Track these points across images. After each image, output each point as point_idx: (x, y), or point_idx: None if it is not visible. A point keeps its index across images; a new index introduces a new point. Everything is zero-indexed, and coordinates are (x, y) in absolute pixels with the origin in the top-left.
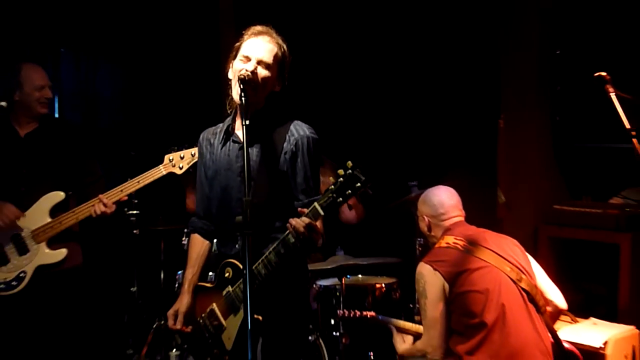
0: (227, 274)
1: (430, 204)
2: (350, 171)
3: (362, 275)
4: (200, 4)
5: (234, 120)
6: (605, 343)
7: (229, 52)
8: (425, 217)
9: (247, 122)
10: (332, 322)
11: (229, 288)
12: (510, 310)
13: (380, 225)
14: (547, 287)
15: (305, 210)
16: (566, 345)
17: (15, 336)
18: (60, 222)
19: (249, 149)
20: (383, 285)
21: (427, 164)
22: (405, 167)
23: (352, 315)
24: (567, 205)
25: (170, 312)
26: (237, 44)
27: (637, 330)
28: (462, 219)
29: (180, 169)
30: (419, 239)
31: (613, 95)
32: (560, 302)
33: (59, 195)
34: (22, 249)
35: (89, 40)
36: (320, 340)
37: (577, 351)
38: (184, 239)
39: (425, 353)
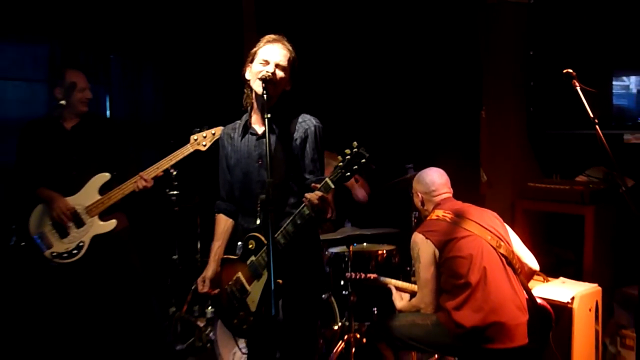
0: (250, 246)
1: (423, 182)
2: (355, 150)
3: (366, 243)
4: (226, 14)
5: (250, 116)
6: (572, 298)
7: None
8: (419, 194)
9: (269, 115)
10: (342, 283)
11: (252, 258)
12: (491, 272)
13: (381, 201)
14: (522, 252)
15: (318, 185)
16: (539, 301)
17: (77, 297)
18: (109, 198)
19: (270, 139)
20: (384, 251)
21: (421, 149)
22: (402, 151)
23: (358, 277)
24: (540, 182)
25: (199, 279)
26: (254, 50)
27: (600, 288)
28: (450, 195)
29: (204, 146)
30: (414, 213)
31: (579, 89)
32: (533, 264)
33: (105, 176)
34: (79, 223)
35: (133, 48)
36: (332, 299)
37: (548, 306)
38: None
39: (419, 308)
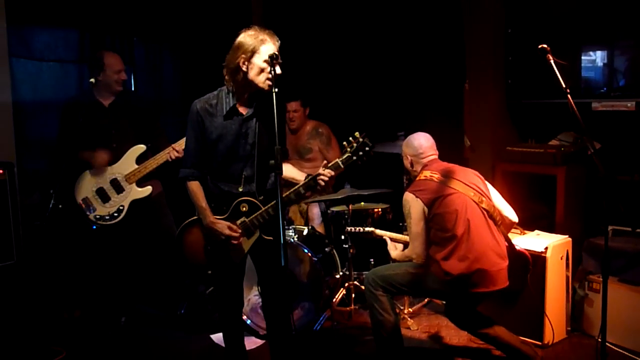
0: (243, 208)
1: (412, 146)
2: (361, 139)
3: (364, 202)
4: (236, 3)
5: (237, 100)
6: (546, 248)
7: None
8: (408, 156)
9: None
10: (342, 237)
11: (244, 218)
12: (474, 224)
13: (377, 165)
14: (502, 206)
15: (329, 165)
16: (517, 248)
17: (117, 255)
18: (145, 167)
19: (253, 119)
20: (380, 209)
21: (411, 118)
22: (395, 121)
23: (357, 230)
24: (517, 146)
25: (224, 229)
26: (250, 44)
27: (570, 239)
28: (436, 156)
29: None
30: (405, 175)
31: (552, 62)
32: (513, 216)
33: (141, 148)
34: (119, 189)
35: (155, 31)
36: (334, 251)
37: (526, 252)
38: None
39: (411, 258)
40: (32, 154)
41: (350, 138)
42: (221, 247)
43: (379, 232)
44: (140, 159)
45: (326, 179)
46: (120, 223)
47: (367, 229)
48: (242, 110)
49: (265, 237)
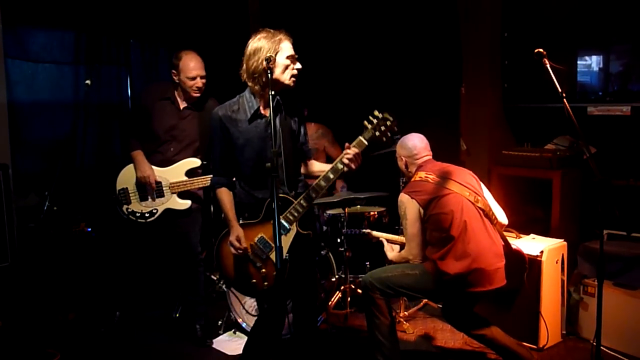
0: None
1: (406, 147)
2: (381, 115)
3: (360, 205)
4: (233, 3)
5: (260, 103)
6: (541, 252)
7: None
8: (403, 158)
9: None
10: (338, 240)
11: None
12: (470, 225)
13: (373, 168)
14: (493, 207)
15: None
16: (513, 246)
17: (142, 253)
18: (192, 182)
19: (276, 120)
20: (376, 212)
21: (408, 121)
22: None
23: (354, 232)
24: (513, 150)
25: (233, 238)
26: (270, 43)
27: (565, 243)
28: (430, 157)
29: None
30: (401, 178)
31: (548, 67)
32: (503, 218)
33: (196, 162)
34: (160, 194)
35: (150, 33)
36: (330, 255)
37: (522, 251)
38: None
39: (408, 259)
40: (27, 156)
41: (370, 117)
42: (263, 254)
43: (375, 233)
44: (190, 173)
45: (351, 156)
46: (149, 225)
47: (363, 230)
48: (265, 112)
49: (303, 231)
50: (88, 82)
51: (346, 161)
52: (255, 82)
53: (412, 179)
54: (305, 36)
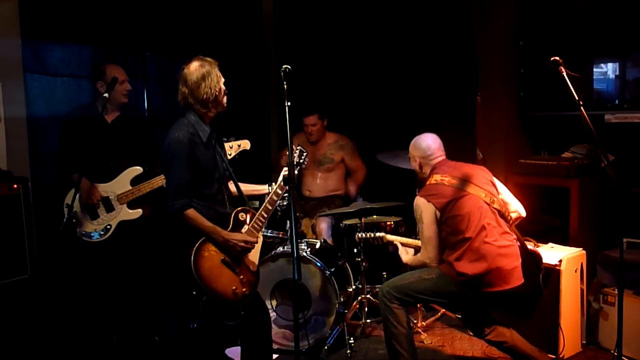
0: (242, 217)
1: (420, 148)
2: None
3: (376, 215)
4: (247, 15)
5: (206, 126)
6: (560, 261)
7: (272, 53)
8: (417, 159)
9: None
10: (355, 251)
11: (247, 226)
12: (486, 226)
13: (388, 178)
14: (510, 201)
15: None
16: (529, 246)
17: (101, 274)
18: (139, 189)
19: (218, 146)
20: (392, 222)
21: (424, 130)
22: (406, 133)
23: (367, 236)
24: (530, 159)
25: (237, 240)
26: (213, 71)
27: (584, 252)
28: (444, 157)
29: (229, 155)
30: (417, 188)
31: (565, 75)
32: (522, 211)
33: (138, 170)
34: (109, 208)
35: (166, 46)
36: (347, 265)
37: (537, 251)
38: None
39: (424, 263)
40: (46, 169)
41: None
42: (239, 261)
43: (389, 237)
44: (135, 181)
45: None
46: (106, 242)
47: (377, 234)
48: (211, 135)
49: (267, 239)
50: (106, 95)
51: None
52: (209, 108)
53: (428, 182)
54: (321, 46)
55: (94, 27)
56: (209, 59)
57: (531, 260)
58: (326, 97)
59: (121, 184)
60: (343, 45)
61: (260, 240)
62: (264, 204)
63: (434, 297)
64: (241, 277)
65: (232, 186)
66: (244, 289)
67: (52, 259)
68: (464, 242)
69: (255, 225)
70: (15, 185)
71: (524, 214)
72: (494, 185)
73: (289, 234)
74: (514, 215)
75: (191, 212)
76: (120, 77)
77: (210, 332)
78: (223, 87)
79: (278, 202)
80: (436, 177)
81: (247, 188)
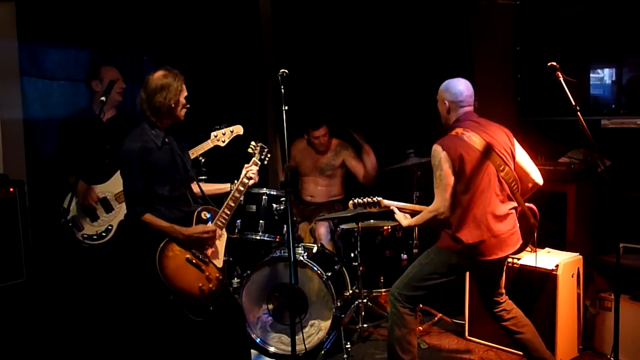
0: (204, 216)
1: (452, 91)
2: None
3: (373, 220)
4: (245, 19)
5: (166, 133)
6: (556, 266)
7: (268, 56)
8: (446, 102)
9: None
10: (352, 255)
11: (209, 224)
12: (488, 193)
13: (386, 182)
14: (528, 167)
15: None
16: (527, 205)
17: (104, 276)
18: None
19: (175, 145)
20: (389, 227)
21: (421, 135)
22: (404, 138)
23: (363, 201)
24: None
25: (198, 231)
26: (172, 83)
27: (581, 256)
28: (472, 108)
29: (223, 142)
30: (415, 192)
31: (562, 80)
32: (539, 179)
33: None
34: (108, 208)
35: (164, 50)
36: (344, 269)
37: (534, 208)
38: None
39: (436, 213)
40: (43, 172)
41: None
42: (204, 258)
43: (386, 202)
44: None
45: (254, 172)
46: (108, 244)
47: (374, 198)
48: (167, 140)
49: (231, 236)
50: (103, 98)
51: (251, 175)
52: (158, 117)
53: (449, 133)
54: (318, 52)
55: (91, 30)
56: (175, 70)
57: (525, 222)
58: (324, 102)
59: (118, 182)
60: (340, 50)
61: (224, 237)
62: (227, 201)
63: (440, 277)
64: (207, 273)
65: (195, 187)
66: (210, 285)
67: (49, 262)
68: (461, 206)
69: (219, 222)
70: (11, 189)
71: (541, 182)
72: (512, 151)
73: (286, 238)
74: (530, 185)
75: (148, 217)
76: (115, 75)
77: (179, 330)
78: (183, 100)
79: (242, 201)
80: (458, 130)
81: (210, 188)
